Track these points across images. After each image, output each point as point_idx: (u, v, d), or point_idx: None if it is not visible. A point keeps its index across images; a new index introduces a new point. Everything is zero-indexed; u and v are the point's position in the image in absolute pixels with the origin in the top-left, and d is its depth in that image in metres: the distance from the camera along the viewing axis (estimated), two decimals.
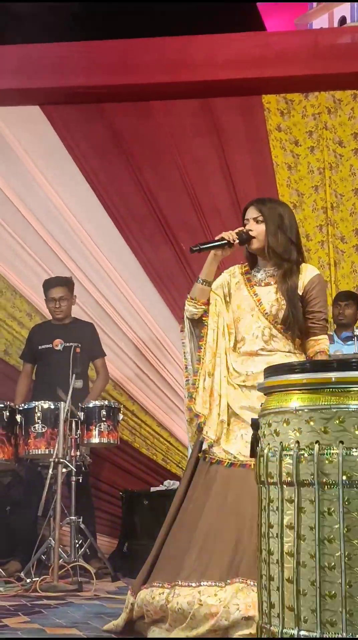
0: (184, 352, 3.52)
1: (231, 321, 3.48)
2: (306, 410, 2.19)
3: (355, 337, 5.13)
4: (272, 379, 2.34)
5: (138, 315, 6.19)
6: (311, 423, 2.17)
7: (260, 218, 3.45)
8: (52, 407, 5.03)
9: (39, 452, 5.03)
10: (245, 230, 3.46)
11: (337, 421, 2.14)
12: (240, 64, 5.68)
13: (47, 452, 4.98)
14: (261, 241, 3.45)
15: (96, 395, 5.62)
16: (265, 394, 2.40)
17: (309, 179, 6.07)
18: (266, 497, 2.28)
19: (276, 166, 6.06)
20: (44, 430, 5.01)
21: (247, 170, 6.04)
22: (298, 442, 2.18)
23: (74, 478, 5.04)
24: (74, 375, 5.07)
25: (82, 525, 5.03)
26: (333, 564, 2.09)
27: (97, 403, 5.28)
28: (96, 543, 5.25)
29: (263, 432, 2.32)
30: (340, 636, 2.05)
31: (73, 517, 5.00)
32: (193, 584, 3.09)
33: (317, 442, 2.15)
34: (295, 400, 2.23)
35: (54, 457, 4.85)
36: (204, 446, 3.35)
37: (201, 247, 3.46)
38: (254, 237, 3.45)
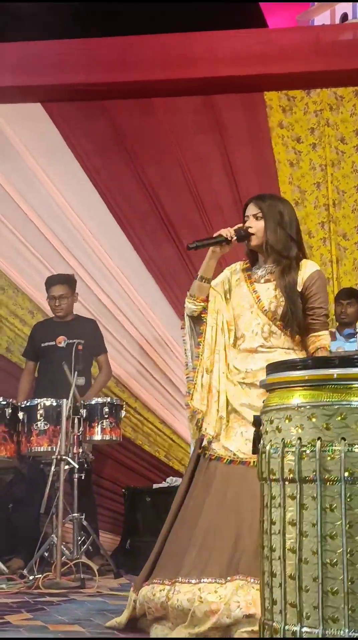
0: (185, 350, 3.53)
1: (231, 318, 3.48)
2: (308, 406, 2.19)
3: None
4: (274, 376, 2.34)
5: (140, 312, 6.19)
6: (314, 420, 2.17)
7: (259, 215, 3.45)
8: (55, 404, 5.03)
9: (42, 450, 5.03)
10: (243, 227, 3.46)
11: (339, 418, 2.14)
12: (241, 61, 5.68)
13: (49, 450, 4.98)
14: (260, 238, 3.44)
15: (97, 390, 5.62)
16: (267, 391, 2.40)
17: (311, 176, 6.07)
18: (268, 494, 2.28)
19: (278, 163, 6.06)
20: (46, 428, 5.01)
21: (249, 167, 6.04)
22: (300, 438, 2.18)
23: (76, 475, 5.04)
24: (76, 372, 5.07)
25: (85, 522, 5.03)
26: (335, 560, 2.09)
27: (100, 400, 5.28)
28: (98, 540, 5.26)
29: (265, 428, 2.32)
30: (342, 632, 2.06)
31: (75, 514, 5.00)
32: (193, 581, 3.09)
33: (319, 438, 2.15)
34: (297, 397, 2.22)
35: (56, 454, 4.85)
36: (204, 442, 3.36)
37: (198, 244, 3.46)
38: (253, 234, 3.45)
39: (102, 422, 5.19)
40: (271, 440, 2.27)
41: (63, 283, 5.64)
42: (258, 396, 3.27)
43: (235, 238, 3.43)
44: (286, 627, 2.15)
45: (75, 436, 5.07)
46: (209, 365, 3.41)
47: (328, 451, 2.13)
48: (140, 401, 6.24)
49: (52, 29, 5.80)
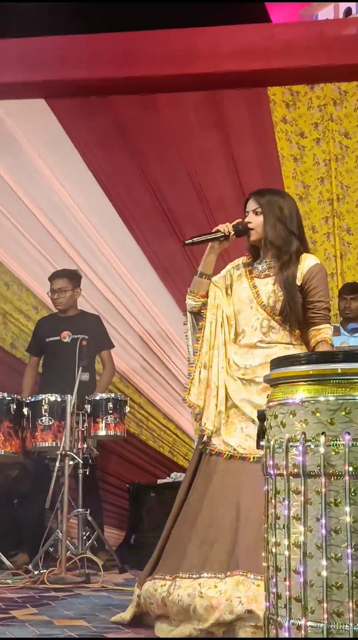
0: (187, 345, 3.54)
1: (232, 313, 3.48)
2: (312, 401, 2.19)
3: None
4: (278, 371, 2.34)
5: (144, 307, 6.20)
6: (318, 414, 2.17)
7: (259, 210, 3.45)
8: (59, 399, 5.04)
9: (46, 445, 5.04)
10: (242, 222, 3.46)
11: (343, 412, 2.14)
12: (245, 56, 5.67)
13: (54, 445, 4.99)
14: (260, 233, 3.45)
15: (104, 388, 5.63)
16: (271, 386, 2.40)
17: (315, 171, 6.06)
18: (272, 489, 2.28)
19: (282, 158, 6.05)
20: (51, 423, 5.02)
21: (252, 162, 6.03)
22: (304, 433, 2.18)
23: (81, 470, 5.05)
24: (80, 368, 5.08)
25: (90, 518, 5.04)
26: (340, 554, 2.09)
27: (104, 396, 5.29)
28: (103, 535, 5.27)
29: (269, 423, 2.32)
30: (347, 627, 2.06)
31: (80, 510, 5.02)
32: (194, 576, 3.10)
33: (323, 433, 2.15)
34: (301, 392, 2.23)
35: (61, 449, 4.86)
36: (205, 438, 3.36)
37: (194, 240, 3.47)
38: (252, 229, 3.45)
39: (107, 418, 5.20)
40: (275, 435, 2.28)
41: (63, 277, 5.66)
42: (258, 392, 3.28)
43: (233, 233, 3.43)
44: (291, 622, 2.15)
45: (79, 432, 5.08)
46: (208, 360, 3.41)
47: (333, 446, 2.13)
48: (144, 397, 6.25)
49: (55, 25, 5.79)
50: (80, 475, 5.06)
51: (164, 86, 5.89)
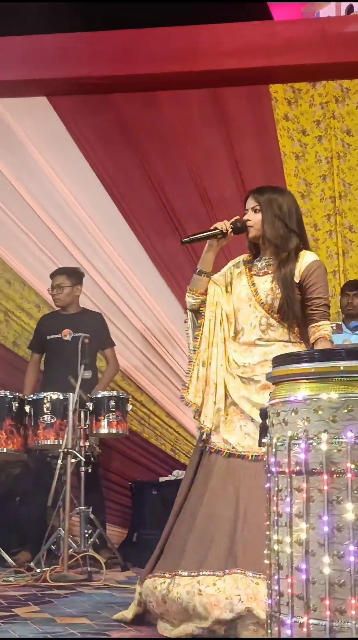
0: (188, 343, 3.54)
1: (232, 311, 3.48)
2: (314, 399, 2.19)
3: None
4: (280, 369, 2.34)
5: (146, 305, 6.20)
6: (320, 412, 2.17)
7: (257, 207, 3.46)
8: (61, 397, 5.05)
9: (48, 443, 5.04)
10: (240, 220, 3.46)
11: (346, 410, 2.14)
12: (246, 53, 5.65)
13: (56, 443, 5.00)
14: (258, 230, 3.45)
15: (105, 384, 5.63)
16: (273, 384, 2.40)
17: (317, 168, 6.05)
18: (275, 486, 2.28)
19: (284, 155, 6.04)
20: (53, 421, 5.02)
21: (254, 160, 6.03)
22: (306, 431, 2.18)
23: (83, 468, 5.06)
24: (82, 366, 5.08)
25: (92, 515, 5.05)
26: (342, 552, 2.09)
27: (106, 394, 5.29)
28: (105, 533, 5.27)
29: (272, 421, 2.32)
30: (349, 624, 2.06)
31: (82, 507, 5.02)
32: (193, 573, 3.11)
33: (325, 431, 2.15)
34: (304, 390, 2.22)
35: (63, 447, 4.86)
36: (203, 435, 3.36)
37: (192, 238, 3.49)
38: (251, 226, 3.45)
39: (109, 416, 5.20)
40: (277, 433, 2.28)
41: (62, 274, 5.67)
42: (256, 390, 3.28)
43: (230, 231, 3.43)
44: (294, 619, 2.15)
45: (82, 429, 5.08)
46: (207, 358, 3.41)
47: (335, 443, 2.13)
48: (146, 394, 6.25)
49: (56, 22, 5.77)
50: (82, 473, 5.07)
51: (166, 84, 5.88)
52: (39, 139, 6.08)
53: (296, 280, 3.37)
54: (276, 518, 2.26)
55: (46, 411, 5.03)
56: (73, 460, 4.91)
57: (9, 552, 5.10)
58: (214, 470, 3.30)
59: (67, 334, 5.42)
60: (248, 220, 3.46)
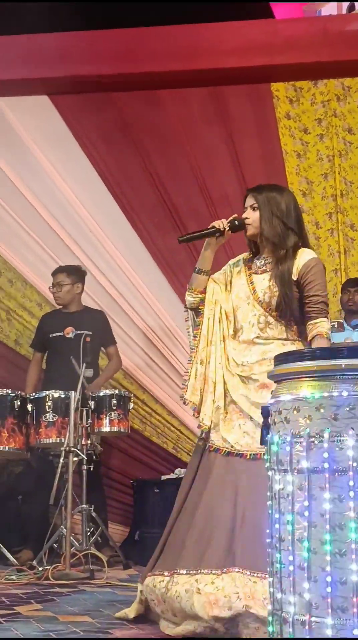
0: (189, 342, 3.54)
1: (231, 309, 3.48)
2: (316, 397, 2.19)
3: None
4: (282, 367, 2.34)
5: (147, 303, 6.20)
6: (322, 410, 2.17)
7: (255, 205, 3.46)
8: (63, 396, 5.05)
9: (50, 441, 5.04)
10: (238, 218, 3.46)
11: (348, 408, 2.14)
12: (248, 52, 5.65)
13: (58, 441, 4.99)
14: (256, 228, 3.45)
15: (105, 379, 5.64)
16: (275, 382, 2.40)
17: (318, 167, 6.05)
18: (277, 485, 2.28)
19: (285, 154, 6.04)
20: (55, 420, 5.02)
21: (256, 158, 6.03)
22: (308, 429, 2.18)
23: (85, 467, 5.06)
24: (84, 364, 5.08)
25: (94, 514, 5.05)
26: (344, 550, 2.09)
27: (108, 392, 5.29)
28: (107, 531, 5.27)
29: (274, 419, 2.33)
30: (351, 622, 2.06)
31: (84, 506, 5.03)
32: (191, 572, 3.11)
33: (327, 429, 2.15)
34: (305, 388, 2.23)
35: (65, 446, 4.87)
36: (203, 433, 3.37)
37: (189, 236, 3.49)
38: (248, 225, 3.45)
39: (111, 414, 5.21)
40: (279, 431, 2.28)
41: (62, 271, 5.67)
42: (255, 389, 3.28)
43: (227, 229, 3.44)
44: (295, 617, 2.15)
45: (83, 428, 5.09)
46: (205, 356, 3.41)
47: (337, 442, 2.13)
48: (148, 393, 6.25)
49: (57, 22, 5.77)
50: (84, 471, 5.07)
51: (167, 82, 5.88)
52: (41, 137, 6.08)
53: (294, 278, 3.37)
54: (278, 516, 2.26)
55: (47, 409, 5.03)
56: (75, 459, 4.91)
57: (11, 550, 5.10)
58: (213, 469, 3.30)
59: (69, 332, 5.42)
60: (247, 218, 3.47)
